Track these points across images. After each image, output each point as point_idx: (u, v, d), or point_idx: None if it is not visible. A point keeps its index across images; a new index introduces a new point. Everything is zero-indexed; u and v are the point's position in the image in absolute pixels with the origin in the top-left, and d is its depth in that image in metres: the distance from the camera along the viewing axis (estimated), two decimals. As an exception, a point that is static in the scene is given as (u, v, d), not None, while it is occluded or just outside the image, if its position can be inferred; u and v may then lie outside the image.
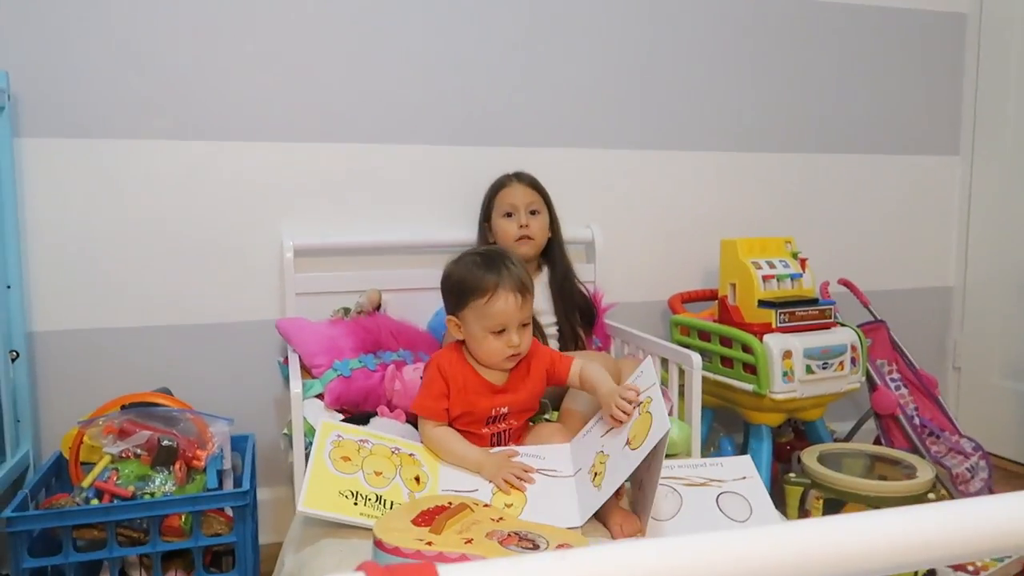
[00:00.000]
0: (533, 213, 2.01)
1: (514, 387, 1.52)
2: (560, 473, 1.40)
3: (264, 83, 2.03)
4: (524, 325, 1.48)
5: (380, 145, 2.14)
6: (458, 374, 1.49)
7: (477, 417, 1.50)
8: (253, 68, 2.02)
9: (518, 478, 1.37)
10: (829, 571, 0.50)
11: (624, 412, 1.34)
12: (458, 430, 1.49)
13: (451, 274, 1.52)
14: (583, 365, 1.53)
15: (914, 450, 2.16)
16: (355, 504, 1.28)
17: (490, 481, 1.38)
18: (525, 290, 1.47)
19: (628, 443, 1.30)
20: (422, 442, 1.49)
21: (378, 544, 1.07)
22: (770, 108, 2.51)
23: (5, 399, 1.78)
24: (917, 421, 2.24)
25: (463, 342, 1.52)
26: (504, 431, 1.53)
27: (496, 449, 1.49)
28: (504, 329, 1.45)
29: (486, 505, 1.27)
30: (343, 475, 1.33)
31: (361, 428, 1.51)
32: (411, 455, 1.44)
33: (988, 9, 2.64)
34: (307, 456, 1.45)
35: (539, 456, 1.45)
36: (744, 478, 1.41)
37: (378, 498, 1.31)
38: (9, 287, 1.84)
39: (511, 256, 1.53)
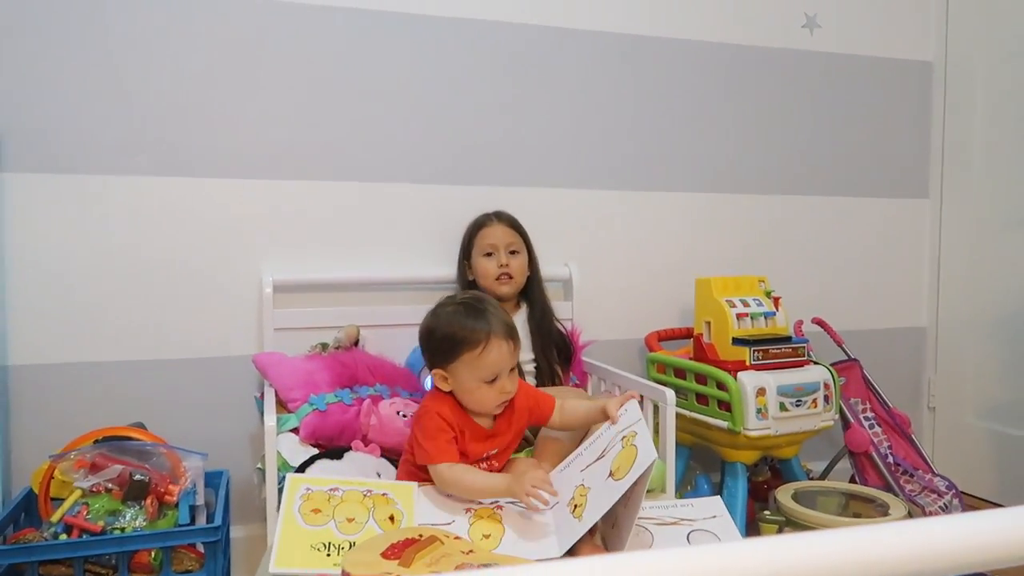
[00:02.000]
0: (513, 253, 2.04)
1: (501, 430, 1.53)
2: None
3: (245, 121, 2.07)
4: (512, 369, 1.49)
5: (359, 183, 2.17)
6: (456, 422, 1.48)
7: (470, 461, 1.49)
8: (234, 107, 2.06)
9: (536, 488, 1.34)
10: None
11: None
12: None
13: (435, 329, 1.49)
14: (560, 406, 1.56)
15: (888, 488, 2.18)
16: (328, 555, 1.27)
17: (522, 501, 1.36)
18: (514, 335, 1.48)
19: (611, 475, 1.31)
20: (435, 486, 1.46)
21: (346, 576, 1.06)
22: (745, 151, 2.57)
23: (-24, 433, 1.76)
24: (891, 459, 2.26)
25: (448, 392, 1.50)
26: (487, 471, 1.53)
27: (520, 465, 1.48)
28: (496, 377, 1.45)
29: (457, 537, 1.27)
30: (313, 528, 1.32)
31: (330, 477, 1.50)
32: (384, 495, 1.43)
33: (952, 58, 2.74)
34: (280, 491, 1.45)
35: None
36: (714, 517, 1.42)
37: (351, 545, 1.30)
38: (-15, 320, 1.84)
39: (490, 300, 1.53)
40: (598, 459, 1.40)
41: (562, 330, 2.12)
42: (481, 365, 1.43)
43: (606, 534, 1.38)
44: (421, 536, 1.21)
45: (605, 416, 1.47)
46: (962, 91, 2.72)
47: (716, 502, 1.49)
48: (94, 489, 1.58)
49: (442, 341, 1.46)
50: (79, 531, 1.52)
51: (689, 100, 2.49)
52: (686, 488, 2.22)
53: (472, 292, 1.64)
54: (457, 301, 1.52)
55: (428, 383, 1.60)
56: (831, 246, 2.70)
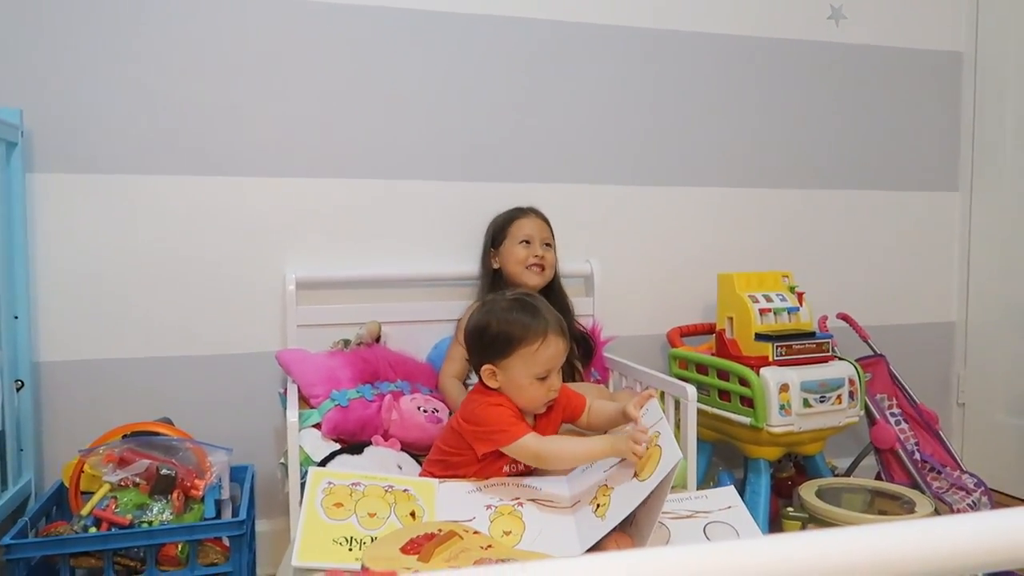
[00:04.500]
0: (547, 246, 2.07)
1: (541, 427, 1.53)
2: (557, 503, 1.41)
3: (268, 120, 2.09)
4: (559, 368, 1.49)
5: (381, 180, 2.18)
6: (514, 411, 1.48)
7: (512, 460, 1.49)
8: (256, 106, 2.08)
9: (635, 442, 1.32)
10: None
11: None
12: (482, 465, 1.48)
13: (488, 325, 1.47)
14: (589, 407, 1.56)
15: (914, 485, 2.15)
16: (350, 550, 1.28)
17: (626, 456, 1.34)
18: (566, 332, 1.49)
19: (635, 475, 1.31)
20: (526, 459, 1.45)
21: (365, 572, 1.07)
22: (769, 144, 2.55)
23: (9, 428, 1.80)
24: (917, 456, 2.23)
25: (494, 389, 1.49)
26: (518, 461, 1.52)
27: (613, 432, 1.47)
28: (548, 374, 1.46)
29: (476, 532, 1.27)
30: (336, 522, 1.33)
31: (352, 471, 1.50)
32: (405, 491, 1.43)
33: (983, 48, 2.69)
34: (303, 486, 1.46)
35: (535, 487, 1.45)
36: (729, 507, 1.41)
37: (373, 540, 1.31)
38: (16, 317, 1.88)
39: (540, 298, 1.53)
40: (621, 459, 1.39)
41: (582, 328, 2.12)
42: (537, 361, 1.43)
43: (625, 532, 1.37)
44: (440, 531, 1.22)
45: (627, 418, 1.47)
46: (993, 82, 2.67)
47: (730, 492, 1.48)
48: (122, 483, 1.61)
49: (497, 337, 1.45)
50: (108, 524, 1.55)
51: (712, 94, 2.47)
52: (709, 484, 2.21)
53: (521, 291, 1.64)
54: (509, 298, 1.52)
55: None
56: (858, 241, 2.67)
